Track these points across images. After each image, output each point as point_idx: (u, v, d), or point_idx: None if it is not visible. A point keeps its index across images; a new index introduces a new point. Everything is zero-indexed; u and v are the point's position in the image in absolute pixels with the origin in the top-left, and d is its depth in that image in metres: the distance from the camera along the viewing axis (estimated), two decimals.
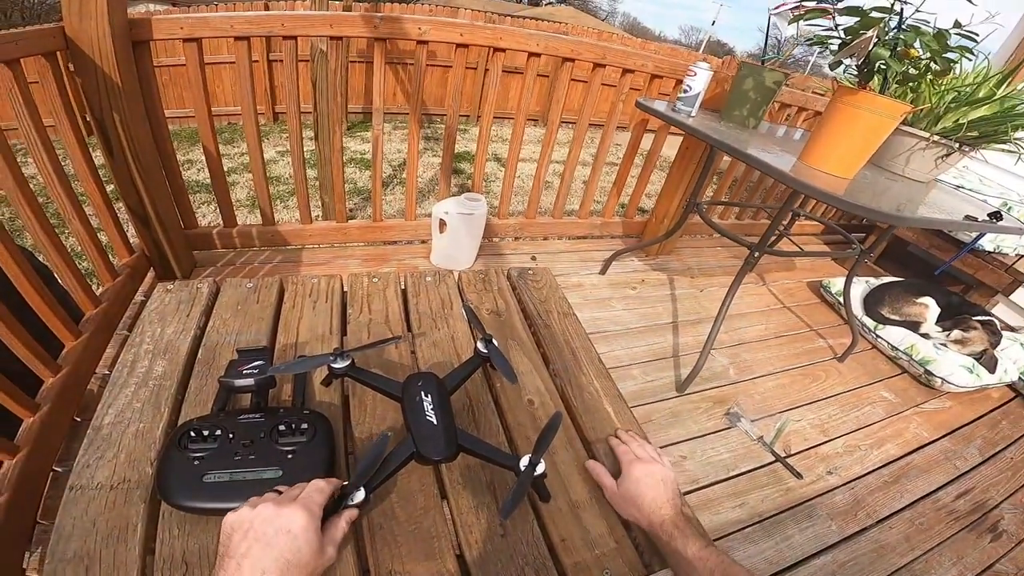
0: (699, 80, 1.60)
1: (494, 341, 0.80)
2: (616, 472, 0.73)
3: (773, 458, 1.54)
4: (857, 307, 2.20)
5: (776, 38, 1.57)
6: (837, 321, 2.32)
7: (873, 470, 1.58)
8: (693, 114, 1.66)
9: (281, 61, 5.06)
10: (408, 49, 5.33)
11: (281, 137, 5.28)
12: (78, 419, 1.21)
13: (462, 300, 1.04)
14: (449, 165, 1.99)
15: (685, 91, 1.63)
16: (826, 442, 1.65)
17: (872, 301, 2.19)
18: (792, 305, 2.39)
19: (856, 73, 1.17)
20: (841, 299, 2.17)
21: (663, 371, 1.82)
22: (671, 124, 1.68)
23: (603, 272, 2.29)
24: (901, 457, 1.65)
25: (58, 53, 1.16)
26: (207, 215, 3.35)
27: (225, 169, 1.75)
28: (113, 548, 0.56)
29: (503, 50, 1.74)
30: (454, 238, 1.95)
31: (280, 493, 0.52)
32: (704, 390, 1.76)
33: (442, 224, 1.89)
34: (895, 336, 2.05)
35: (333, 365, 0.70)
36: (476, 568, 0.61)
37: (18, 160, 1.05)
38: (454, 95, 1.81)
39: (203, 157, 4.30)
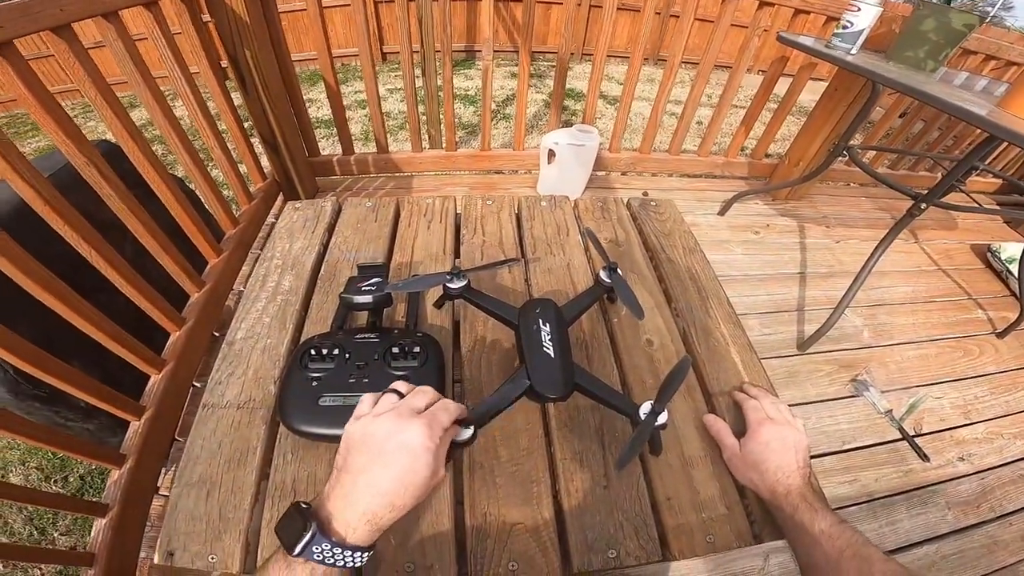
0: (864, 16, 1.42)
1: (619, 270, 0.73)
2: (739, 431, 0.65)
3: (900, 435, 1.38)
4: None
5: None
6: (1002, 291, 1.98)
7: (1011, 462, 1.38)
8: (853, 51, 1.48)
9: (391, 1, 5.09)
10: None
11: (390, 76, 5.37)
12: (216, 334, 1.30)
13: (579, 226, 0.97)
14: (560, 95, 1.91)
15: (845, 27, 1.47)
16: (965, 425, 1.45)
17: None
18: (949, 268, 2.06)
19: None
20: (1012, 267, 1.89)
21: (785, 325, 1.66)
22: (825, 60, 1.50)
23: (722, 213, 2.11)
24: None
25: None
26: (326, 148, 3.48)
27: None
28: (233, 472, 0.59)
29: None
30: (563, 169, 1.88)
31: (402, 395, 0.48)
32: (830, 351, 1.59)
33: (551, 155, 1.82)
34: None
35: (449, 285, 0.68)
36: (572, 519, 0.59)
37: (169, 103, 1.13)
38: (566, 23, 1.70)
39: (321, 96, 4.51)
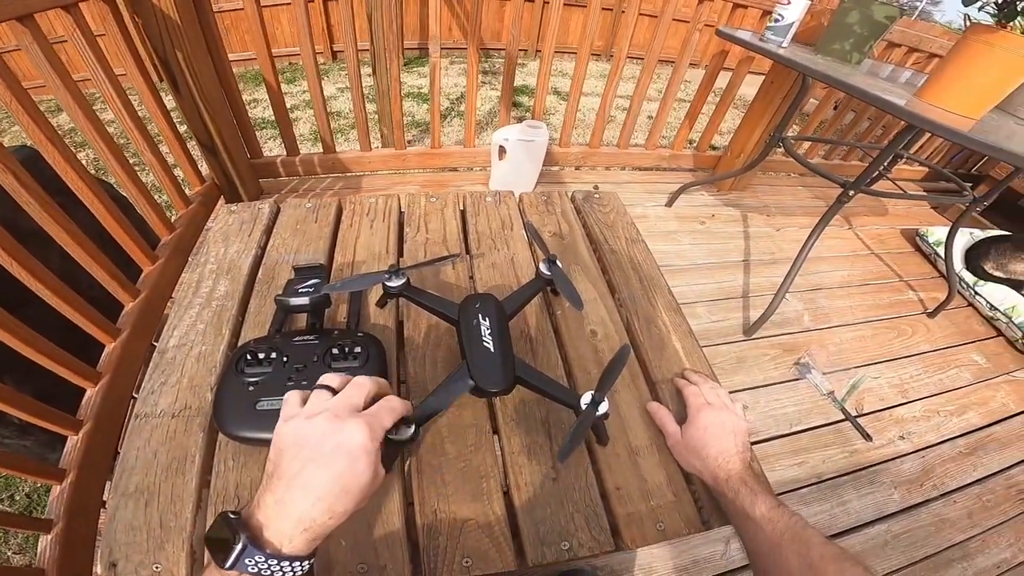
0: (793, 9, 1.49)
1: (558, 263, 0.74)
2: (681, 418, 0.66)
3: (843, 416, 1.44)
4: (956, 260, 1.97)
5: None
6: (931, 273, 2.11)
7: (949, 439, 1.46)
8: (784, 44, 1.54)
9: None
10: None
11: (340, 75, 5.26)
12: (155, 344, 1.25)
13: (523, 220, 0.98)
14: (509, 92, 1.91)
15: (776, 20, 1.53)
16: (903, 404, 1.53)
17: (975, 255, 1.96)
18: (882, 252, 2.18)
19: (995, 11, 1.06)
20: (939, 249, 2.00)
21: (731, 312, 1.72)
22: (758, 54, 1.57)
23: (669, 205, 2.17)
24: (982, 428, 1.51)
25: None
26: (272, 149, 3.40)
27: (288, 106, 1.77)
28: (172, 481, 0.57)
29: None
30: (514, 164, 1.90)
31: (334, 392, 0.44)
32: (774, 336, 1.65)
33: (501, 151, 1.84)
34: (996, 295, 1.84)
35: (388, 283, 0.67)
36: (524, 512, 0.59)
37: (94, 107, 1.08)
38: (515, 21, 1.71)
39: (267, 97, 4.42)
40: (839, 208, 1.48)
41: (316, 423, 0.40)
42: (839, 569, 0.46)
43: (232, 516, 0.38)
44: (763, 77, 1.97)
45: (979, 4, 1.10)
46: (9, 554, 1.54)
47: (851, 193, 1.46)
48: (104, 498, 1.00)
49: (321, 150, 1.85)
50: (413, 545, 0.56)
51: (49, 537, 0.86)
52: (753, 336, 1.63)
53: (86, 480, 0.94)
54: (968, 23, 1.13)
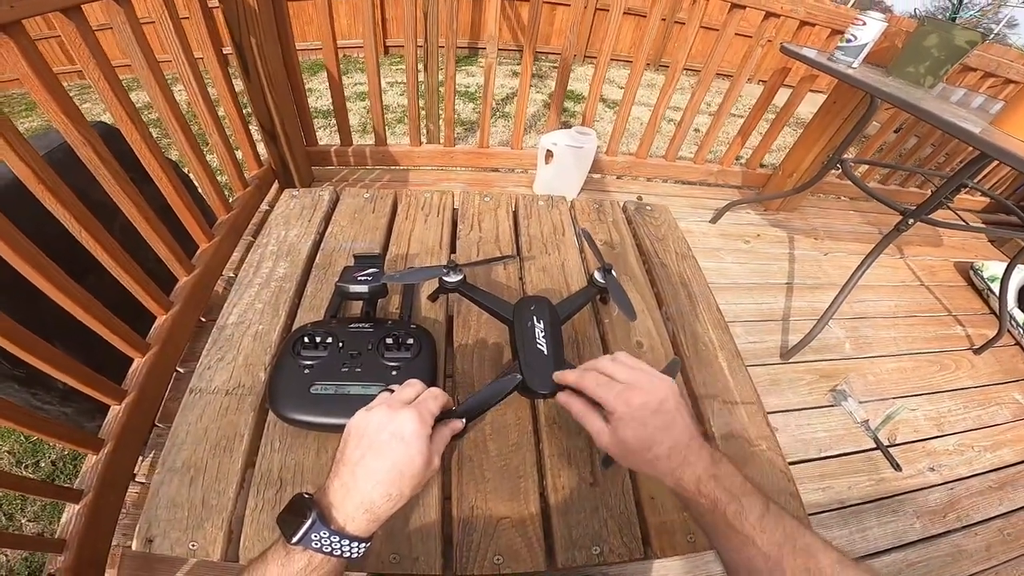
0: (869, 30, 1.44)
1: (613, 272, 0.74)
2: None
3: (874, 445, 1.41)
4: (1010, 297, 1.87)
5: None
6: (982, 309, 2.02)
7: (979, 473, 1.42)
8: (855, 65, 1.50)
9: None
10: None
11: (390, 69, 5.35)
12: (203, 320, 1.29)
13: (574, 227, 0.98)
14: (561, 96, 1.91)
15: (848, 40, 1.49)
16: (937, 437, 1.49)
17: None
18: (932, 284, 2.10)
19: None
20: (993, 285, 1.92)
21: (769, 334, 1.68)
22: (826, 73, 1.52)
23: (714, 221, 2.13)
24: (1014, 464, 1.46)
25: None
26: (322, 139, 3.46)
27: None
28: (219, 459, 0.58)
29: None
30: (560, 170, 1.89)
31: (392, 392, 0.49)
32: (812, 361, 1.62)
33: (548, 155, 1.83)
34: None
35: (445, 278, 0.68)
36: (558, 514, 0.59)
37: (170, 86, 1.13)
38: (572, 25, 1.72)
39: (319, 87, 4.46)
40: (896, 236, 1.43)
41: (374, 415, 0.45)
42: None
43: (307, 496, 0.42)
44: (821, 96, 1.92)
45: None
46: (23, 521, 1.55)
47: (910, 221, 1.40)
48: (135, 471, 1.01)
49: (371, 142, 1.89)
50: (446, 539, 0.57)
51: (77, 507, 0.86)
52: (791, 360, 1.59)
53: (122, 452, 0.95)
54: None
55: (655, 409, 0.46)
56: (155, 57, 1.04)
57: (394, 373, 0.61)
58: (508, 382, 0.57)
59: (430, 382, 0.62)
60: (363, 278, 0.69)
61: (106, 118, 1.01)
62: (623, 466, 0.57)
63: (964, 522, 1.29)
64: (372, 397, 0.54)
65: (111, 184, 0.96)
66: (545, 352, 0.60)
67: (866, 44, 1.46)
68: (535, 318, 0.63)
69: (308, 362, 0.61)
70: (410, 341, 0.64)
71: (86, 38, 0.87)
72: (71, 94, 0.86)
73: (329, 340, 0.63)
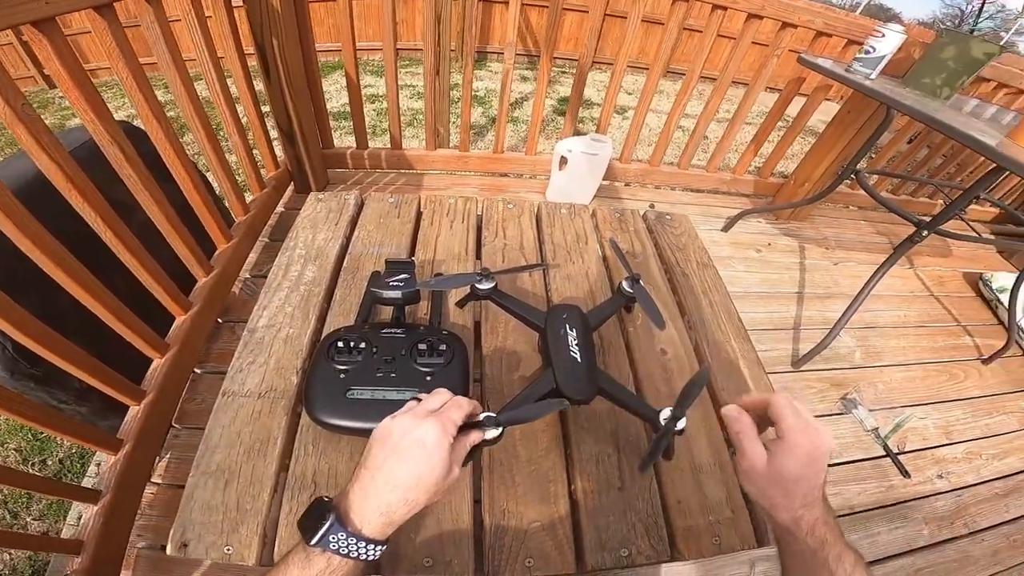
0: (887, 42, 1.45)
1: (641, 281, 0.74)
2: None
3: (883, 452, 1.42)
4: (1019, 308, 1.87)
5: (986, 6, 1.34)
6: (990, 319, 2.03)
7: (987, 481, 1.43)
8: (872, 76, 1.50)
9: None
10: None
11: (401, 72, 5.37)
12: (220, 320, 1.29)
13: (596, 235, 0.98)
14: (577, 103, 1.91)
15: (867, 52, 1.49)
16: (946, 445, 1.50)
17: None
18: (941, 295, 2.11)
19: None
20: (1002, 296, 1.92)
21: (780, 342, 1.69)
22: (843, 84, 1.52)
23: (726, 230, 2.13)
24: (1021, 472, 1.47)
25: None
26: (335, 141, 3.46)
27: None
28: (253, 462, 0.58)
29: None
30: (574, 176, 1.90)
31: (419, 401, 0.50)
32: (822, 370, 1.63)
33: (563, 161, 1.83)
34: None
35: (477, 286, 0.68)
36: (587, 518, 0.60)
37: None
38: (590, 32, 1.75)
39: (332, 89, 4.46)
40: (909, 247, 1.43)
41: (398, 421, 0.46)
42: None
43: (326, 499, 0.43)
44: (835, 106, 1.92)
45: None
46: (28, 520, 1.55)
47: (924, 233, 1.41)
48: (151, 473, 1.01)
49: (387, 145, 1.90)
50: (478, 542, 0.57)
51: (95, 508, 0.85)
52: (801, 368, 1.60)
53: (140, 453, 0.95)
54: None
55: (816, 450, 0.49)
56: (181, 55, 1.05)
57: (428, 379, 0.61)
58: (554, 404, 0.57)
59: (463, 388, 0.63)
60: (396, 283, 0.69)
61: (119, 117, 1.01)
62: (748, 491, 0.53)
63: (971, 528, 1.30)
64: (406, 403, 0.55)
65: (135, 183, 0.97)
66: (579, 359, 0.61)
67: (885, 56, 1.47)
68: (568, 326, 0.64)
69: (343, 367, 0.61)
70: (443, 347, 0.64)
71: (116, 35, 0.87)
72: None
73: (363, 345, 0.63)
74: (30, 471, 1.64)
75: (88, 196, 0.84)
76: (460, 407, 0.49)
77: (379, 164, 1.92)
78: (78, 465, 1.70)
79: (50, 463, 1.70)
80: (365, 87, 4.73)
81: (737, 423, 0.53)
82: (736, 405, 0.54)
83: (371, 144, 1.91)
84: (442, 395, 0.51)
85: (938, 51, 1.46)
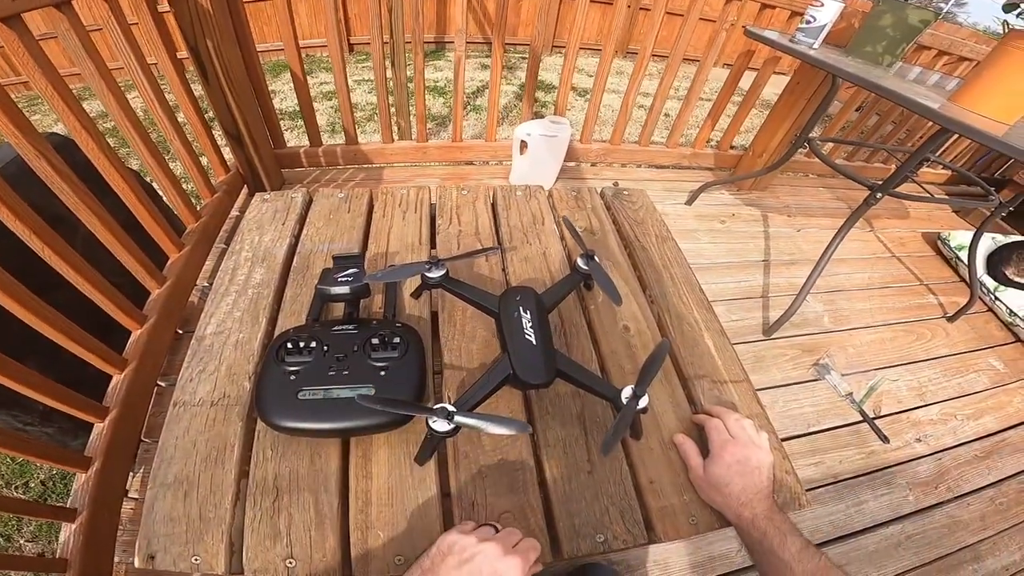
0: (826, 11, 1.47)
1: (596, 258, 0.73)
2: (706, 451, 0.63)
3: (860, 418, 1.45)
4: (979, 264, 1.95)
5: None
6: (952, 277, 2.09)
7: (965, 442, 1.46)
8: (815, 46, 1.53)
9: None
10: None
11: (356, 67, 5.26)
12: (180, 331, 1.25)
13: (553, 215, 0.98)
14: (533, 87, 1.91)
15: (808, 22, 1.52)
16: (920, 407, 1.53)
17: (996, 259, 1.94)
18: (902, 255, 2.17)
19: None
20: (961, 254, 1.98)
21: (750, 311, 1.72)
22: (788, 54, 1.55)
23: (689, 203, 2.16)
24: (998, 432, 1.51)
25: None
26: (290, 140, 3.37)
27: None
28: (211, 471, 0.57)
29: None
30: (536, 160, 1.89)
31: (497, 530, 0.52)
32: (793, 336, 1.65)
33: (523, 146, 1.82)
34: (1015, 301, 1.82)
35: (427, 274, 0.67)
36: (559, 505, 0.59)
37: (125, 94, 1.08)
38: (539, 14, 1.71)
39: (283, 88, 4.37)
40: (865, 210, 1.47)
41: (487, 548, 0.48)
42: None
43: None
44: (786, 78, 1.95)
45: (1018, 11, 1.09)
46: (22, 542, 1.52)
47: (878, 195, 1.44)
48: (126, 488, 1.00)
49: (341, 141, 1.86)
50: None
51: (73, 526, 0.85)
52: (772, 336, 1.62)
53: (111, 469, 0.94)
54: (1007, 29, 1.11)
55: (740, 460, 0.60)
56: (106, 65, 1.00)
57: (382, 374, 0.60)
58: (499, 375, 0.57)
59: (419, 380, 0.62)
60: (344, 279, 0.67)
61: (58, 129, 0.97)
62: (700, 495, 0.63)
63: (955, 492, 1.32)
64: (363, 398, 0.53)
65: (69, 197, 0.93)
66: (533, 342, 0.60)
67: (825, 25, 1.49)
68: (521, 309, 0.63)
69: (293, 368, 0.59)
70: (396, 340, 0.63)
71: (29, 47, 0.83)
72: (20, 106, 0.82)
73: (313, 344, 0.61)
74: (13, 494, 1.62)
75: (19, 213, 0.80)
76: (535, 548, 0.51)
77: (335, 161, 1.88)
78: (61, 486, 1.68)
79: (32, 485, 1.67)
80: (321, 84, 4.62)
81: (682, 445, 0.65)
82: (682, 433, 0.67)
83: (332, 141, 1.87)
84: (515, 534, 0.52)
85: (876, 19, 1.49)
